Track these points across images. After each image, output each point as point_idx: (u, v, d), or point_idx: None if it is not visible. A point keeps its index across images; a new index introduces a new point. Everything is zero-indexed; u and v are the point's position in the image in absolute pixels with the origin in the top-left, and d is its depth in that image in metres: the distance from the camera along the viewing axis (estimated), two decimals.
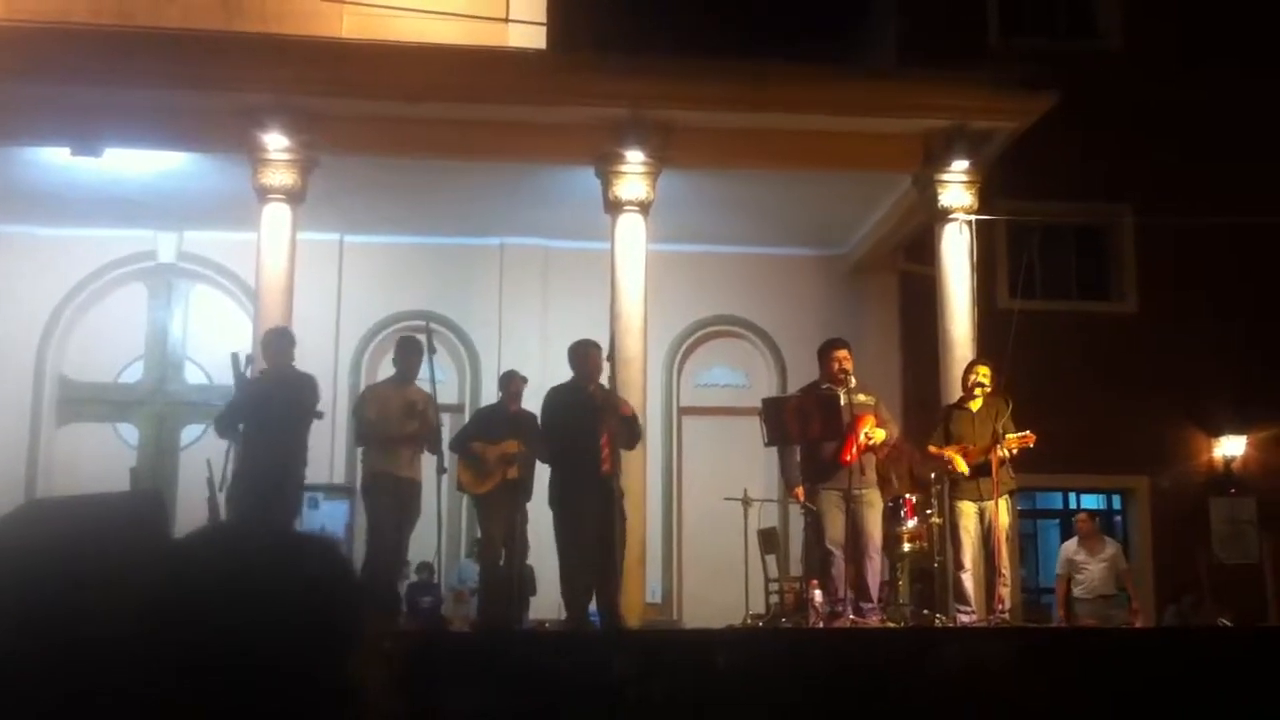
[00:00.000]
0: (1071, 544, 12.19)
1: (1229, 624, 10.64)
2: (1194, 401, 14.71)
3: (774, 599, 11.02)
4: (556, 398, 8.96)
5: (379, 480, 9.01)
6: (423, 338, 9.31)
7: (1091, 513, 12.87)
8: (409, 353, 9.39)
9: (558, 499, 8.77)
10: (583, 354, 9.10)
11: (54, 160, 11.73)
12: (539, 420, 9.12)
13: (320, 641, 1.21)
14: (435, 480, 8.89)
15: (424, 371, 9.09)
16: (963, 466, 9.06)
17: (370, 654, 1.24)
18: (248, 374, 8.96)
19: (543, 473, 9.49)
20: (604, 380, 9.16)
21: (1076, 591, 11.88)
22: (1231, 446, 15.06)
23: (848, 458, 8.63)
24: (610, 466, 8.64)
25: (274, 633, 1.19)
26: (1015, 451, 9.09)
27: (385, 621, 8.38)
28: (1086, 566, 11.88)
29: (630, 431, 9.09)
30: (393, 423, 9.00)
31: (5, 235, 13.77)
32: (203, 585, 1.21)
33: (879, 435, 8.75)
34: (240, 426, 8.72)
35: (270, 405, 8.63)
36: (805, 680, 6.58)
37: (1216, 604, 12.52)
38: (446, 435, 9.76)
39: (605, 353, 9.12)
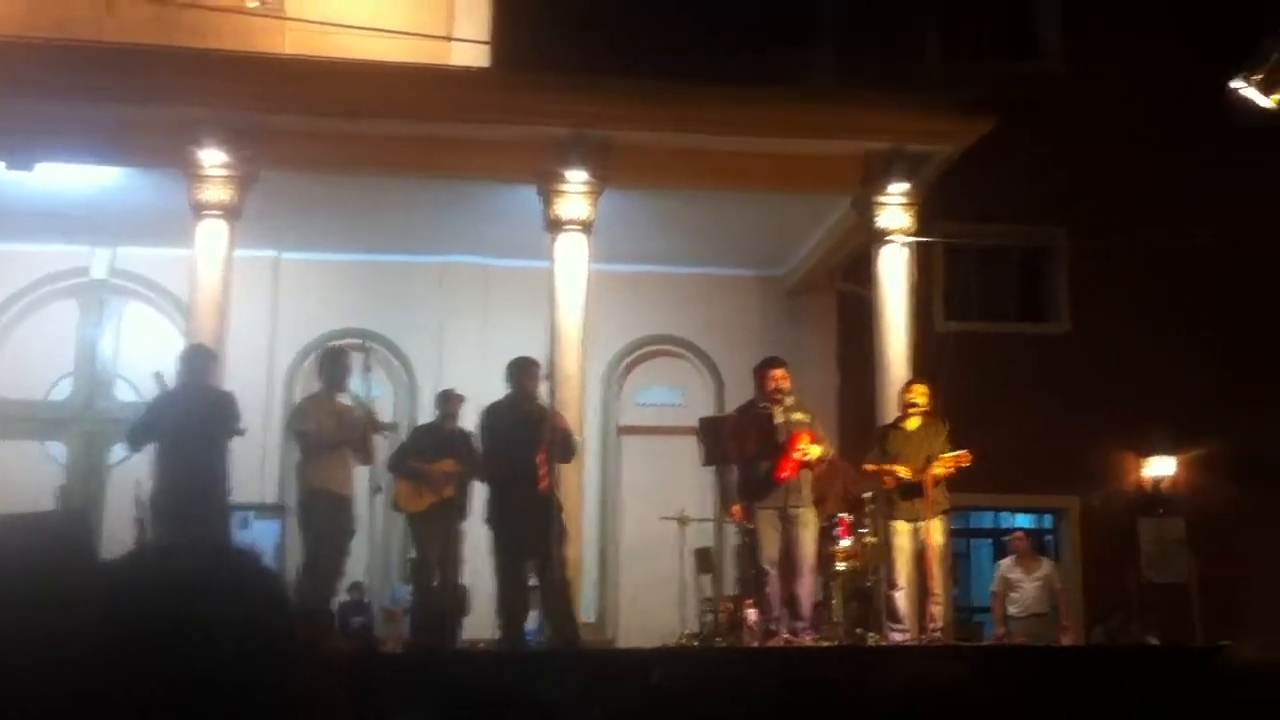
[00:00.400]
0: (1008, 562, 12.32)
1: (1156, 642, 10.80)
2: (1125, 422, 14.90)
3: (708, 618, 11.04)
4: (494, 414, 8.95)
5: (316, 497, 8.94)
6: (346, 347, 9.28)
7: (1027, 531, 13.02)
8: (335, 362, 9.33)
9: (496, 516, 8.75)
10: (520, 370, 9.09)
11: None
12: (477, 437, 9.10)
13: (257, 659, 1.21)
14: (368, 498, 8.84)
15: (360, 390, 9.04)
16: (905, 473, 9.12)
17: (306, 672, 1.25)
18: (157, 390, 8.88)
19: (479, 491, 9.46)
20: (542, 398, 9.15)
21: (1011, 610, 12.00)
22: (1161, 467, 15.28)
23: (784, 475, 8.68)
24: (548, 484, 8.63)
25: (210, 652, 1.19)
26: (952, 470, 9.18)
27: (321, 640, 8.31)
28: (1021, 584, 12.01)
29: (566, 445, 9.10)
30: (326, 434, 8.94)
31: None
32: (139, 605, 1.21)
33: (814, 451, 8.80)
34: (155, 443, 8.65)
35: (187, 422, 8.55)
36: (741, 699, 6.60)
37: (1144, 623, 12.70)
38: (383, 455, 9.72)
39: (543, 370, 9.13)
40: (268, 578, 1.31)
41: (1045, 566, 12.29)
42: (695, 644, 10.17)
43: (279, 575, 1.36)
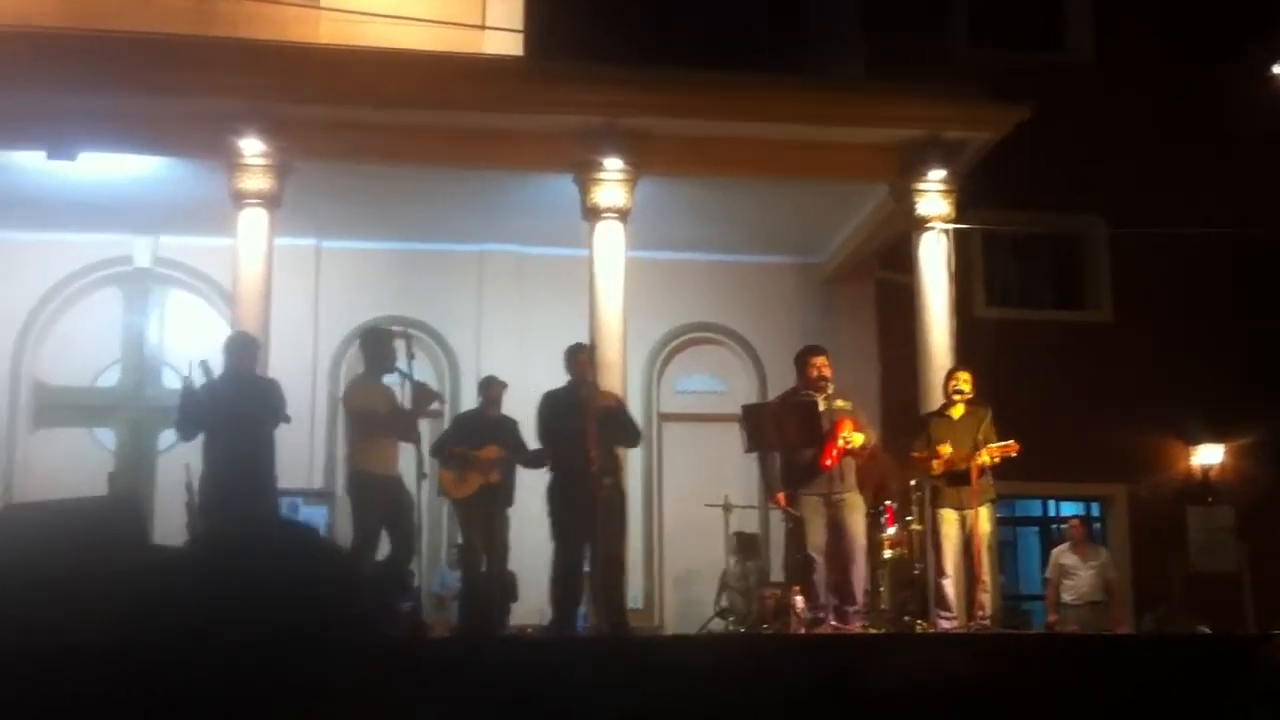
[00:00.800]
0: (1063, 548, 12.28)
1: (1207, 631, 10.69)
2: (1171, 410, 14.76)
3: (733, 599, 11.02)
4: (551, 401, 8.96)
5: (374, 481, 8.78)
6: (389, 328, 9.25)
7: (1083, 518, 12.87)
8: (379, 343, 9.20)
9: (555, 501, 8.74)
10: (571, 357, 9.13)
11: (29, 164, 11.65)
12: (521, 424, 9.06)
13: (329, 638, 1.19)
14: (415, 483, 8.80)
15: (395, 378, 8.99)
16: (947, 451, 9.05)
17: (366, 652, 1.23)
18: (193, 382, 8.85)
19: (523, 478, 9.46)
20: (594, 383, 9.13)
21: (1065, 597, 11.96)
22: (1209, 455, 15.13)
23: (827, 462, 8.64)
24: (600, 466, 8.59)
25: (289, 630, 1.17)
26: (997, 460, 9.11)
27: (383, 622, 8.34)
28: (1076, 572, 11.96)
29: (623, 427, 9.09)
30: (382, 415, 8.84)
31: None
32: (217, 584, 1.19)
33: (857, 439, 8.74)
34: (203, 431, 8.64)
35: (233, 409, 8.55)
36: (786, 686, 6.57)
37: (1193, 612, 12.58)
38: (426, 441, 9.69)
39: (591, 356, 9.14)
40: (343, 561, 1.29)
41: (1101, 555, 12.21)
42: (741, 630, 10.14)
43: (349, 560, 1.34)
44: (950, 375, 9.74)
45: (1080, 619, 11.64)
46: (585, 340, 10.66)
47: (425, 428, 9.47)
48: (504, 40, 13.40)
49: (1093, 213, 15.38)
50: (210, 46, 11.91)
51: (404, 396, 8.88)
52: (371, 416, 8.79)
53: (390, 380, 8.95)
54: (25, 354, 13.87)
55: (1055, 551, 12.41)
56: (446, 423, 10.59)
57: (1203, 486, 15.07)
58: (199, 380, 8.60)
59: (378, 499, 8.68)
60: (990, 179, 12.93)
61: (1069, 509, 15.07)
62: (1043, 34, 16.23)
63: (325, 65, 11.79)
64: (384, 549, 8.77)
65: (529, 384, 9.64)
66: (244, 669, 1.18)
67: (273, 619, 1.20)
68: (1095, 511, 15.48)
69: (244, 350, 9.17)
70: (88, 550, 1.42)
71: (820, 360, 8.98)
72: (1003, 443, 9.11)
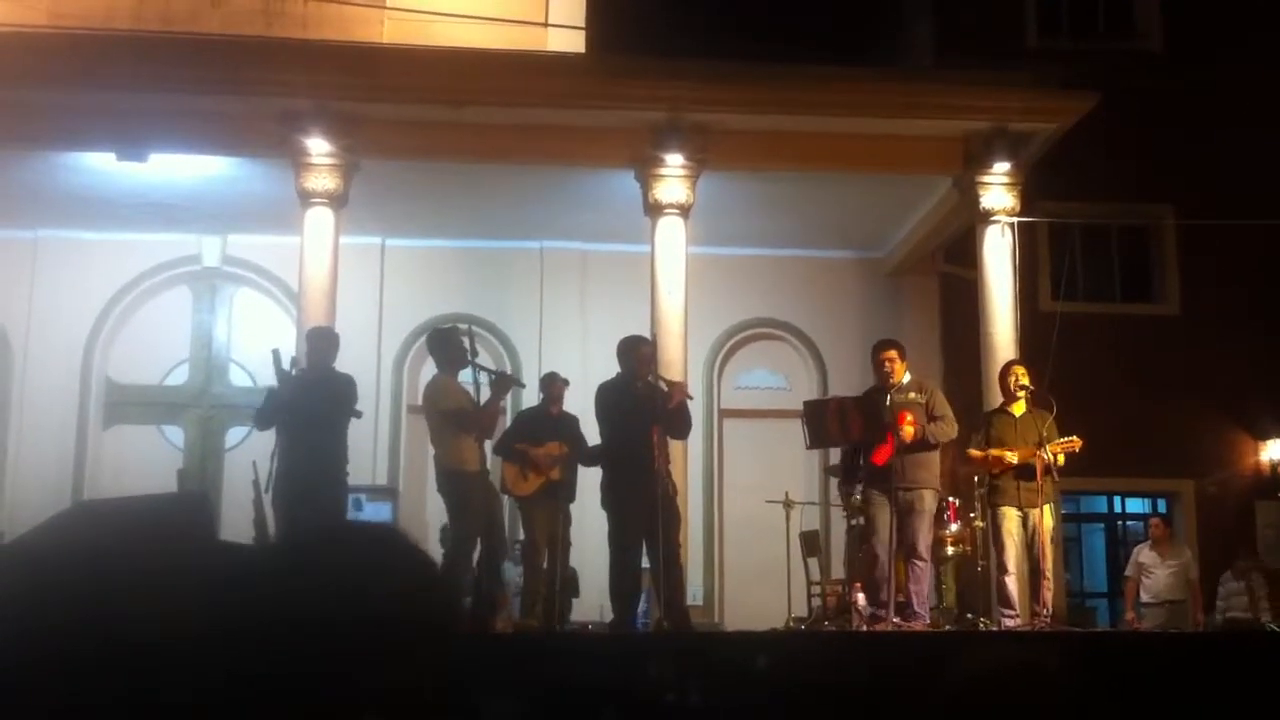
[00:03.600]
0: (1143, 546, 12.20)
1: (1278, 628, 10.53)
2: (1239, 404, 14.55)
3: (816, 602, 10.98)
4: (605, 394, 8.83)
5: (468, 478, 8.78)
6: (452, 329, 9.28)
7: (1165, 518, 12.67)
8: (448, 342, 9.16)
9: (609, 500, 8.64)
10: (629, 350, 8.91)
11: (99, 165, 11.86)
12: (594, 415, 8.97)
13: (415, 636, 1.22)
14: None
15: (467, 375, 9.04)
16: (1012, 458, 8.95)
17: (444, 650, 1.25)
18: (291, 371, 8.95)
19: (584, 475, 9.47)
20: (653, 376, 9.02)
21: (1144, 595, 11.85)
22: (1278, 450, 14.88)
23: (879, 458, 8.55)
24: (660, 463, 8.51)
25: (370, 633, 1.20)
26: (1062, 460, 8.99)
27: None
28: (1154, 571, 11.86)
29: (681, 420, 8.91)
30: (467, 412, 8.83)
31: (52, 240, 13.94)
32: (310, 582, 1.22)
33: (908, 431, 8.59)
34: (278, 424, 8.73)
35: (310, 403, 8.64)
36: (848, 684, 6.55)
37: (1262, 609, 12.39)
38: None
39: (651, 348, 9.04)
40: (428, 560, 1.32)
41: (1183, 554, 12.06)
42: (802, 628, 10.11)
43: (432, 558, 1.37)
44: (1007, 369, 9.58)
45: (1157, 617, 11.53)
46: (653, 337, 10.63)
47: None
48: (567, 37, 13.45)
49: (1161, 203, 15.17)
50: (277, 47, 12.06)
51: (477, 392, 8.87)
52: (461, 414, 8.77)
53: (464, 376, 8.96)
54: (96, 352, 14.13)
55: (1136, 549, 12.31)
56: (509, 419, 10.60)
57: (1271, 481, 14.83)
58: (274, 371, 8.71)
59: (476, 497, 8.70)
60: (1056, 170, 12.80)
61: (1135, 505, 14.89)
62: (1113, 21, 16.03)
63: (390, 64, 11.90)
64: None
65: (590, 380, 9.65)
66: (320, 672, 1.21)
67: (353, 621, 1.22)
68: (1162, 507, 15.29)
69: (325, 344, 9.25)
70: (158, 546, 1.46)
71: (889, 353, 8.89)
72: (1066, 439, 8.99)
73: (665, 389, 8.69)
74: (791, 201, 13.23)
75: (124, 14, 13.15)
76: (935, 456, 8.79)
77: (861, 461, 8.79)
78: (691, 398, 9.09)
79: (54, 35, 11.76)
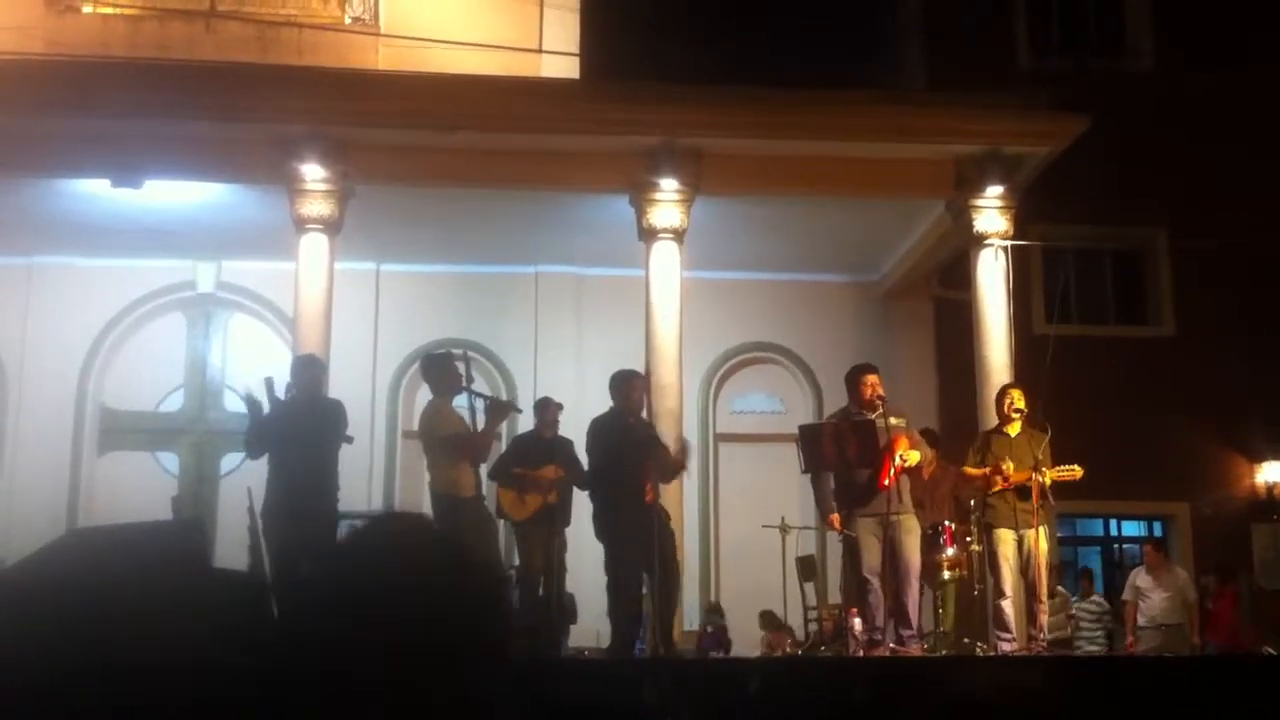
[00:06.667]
0: (1139, 570, 12.20)
1: (1272, 652, 10.52)
2: (1235, 426, 14.56)
3: (812, 627, 10.95)
4: (598, 428, 8.89)
5: (463, 504, 8.78)
6: (446, 354, 9.27)
7: (1158, 544, 12.64)
8: (443, 367, 9.15)
9: (604, 529, 8.69)
10: (621, 383, 8.99)
11: (94, 192, 11.86)
12: (584, 450, 9.02)
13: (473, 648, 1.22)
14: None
15: (462, 400, 9.02)
16: (1010, 469, 8.96)
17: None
18: (281, 398, 8.95)
19: (580, 499, 9.47)
20: (645, 410, 9.08)
21: (1140, 620, 11.84)
22: (1273, 472, 14.89)
23: (885, 482, 8.57)
24: (654, 498, 8.59)
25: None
26: (1056, 480, 9.01)
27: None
28: (1149, 596, 11.89)
29: (672, 467, 9.03)
30: (464, 436, 8.82)
31: (46, 266, 13.93)
32: (383, 581, 1.22)
33: (913, 457, 8.66)
34: (269, 451, 8.73)
35: (299, 430, 8.64)
36: (845, 709, 6.53)
37: (1257, 632, 12.38)
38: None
39: (645, 380, 9.07)
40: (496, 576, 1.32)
41: (1179, 578, 12.05)
42: (799, 653, 10.09)
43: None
44: (1004, 393, 9.63)
45: (1154, 641, 11.52)
46: (641, 362, 10.65)
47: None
48: (562, 63, 13.51)
49: (1154, 225, 15.21)
50: (272, 73, 12.10)
51: (473, 418, 8.85)
52: (457, 440, 8.74)
53: (459, 402, 8.94)
54: (91, 379, 14.10)
55: (1133, 573, 12.33)
56: (504, 444, 10.60)
57: (1267, 504, 14.83)
58: (266, 398, 8.71)
59: (471, 523, 8.68)
60: (1049, 192, 12.83)
61: (1131, 528, 14.88)
62: (1104, 43, 16.10)
63: (385, 90, 11.94)
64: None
65: (585, 404, 9.66)
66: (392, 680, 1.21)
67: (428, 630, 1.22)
68: (1158, 530, 15.29)
69: (311, 372, 9.28)
70: (152, 574, 1.46)
71: (874, 378, 8.92)
72: (1066, 467, 9.00)
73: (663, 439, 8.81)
74: (786, 225, 13.26)
75: (120, 41, 13.20)
76: (908, 481, 8.84)
77: (858, 485, 8.76)
78: (686, 468, 9.21)
79: (50, 62, 11.79)
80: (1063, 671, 7.62)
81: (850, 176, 12.23)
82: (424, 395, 10.84)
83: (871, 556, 8.58)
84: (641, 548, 8.38)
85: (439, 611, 1.22)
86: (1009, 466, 8.98)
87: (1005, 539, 9.06)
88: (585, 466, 9.30)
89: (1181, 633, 11.73)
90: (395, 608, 1.21)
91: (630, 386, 8.96)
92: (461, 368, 9.00)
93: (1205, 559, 14.39)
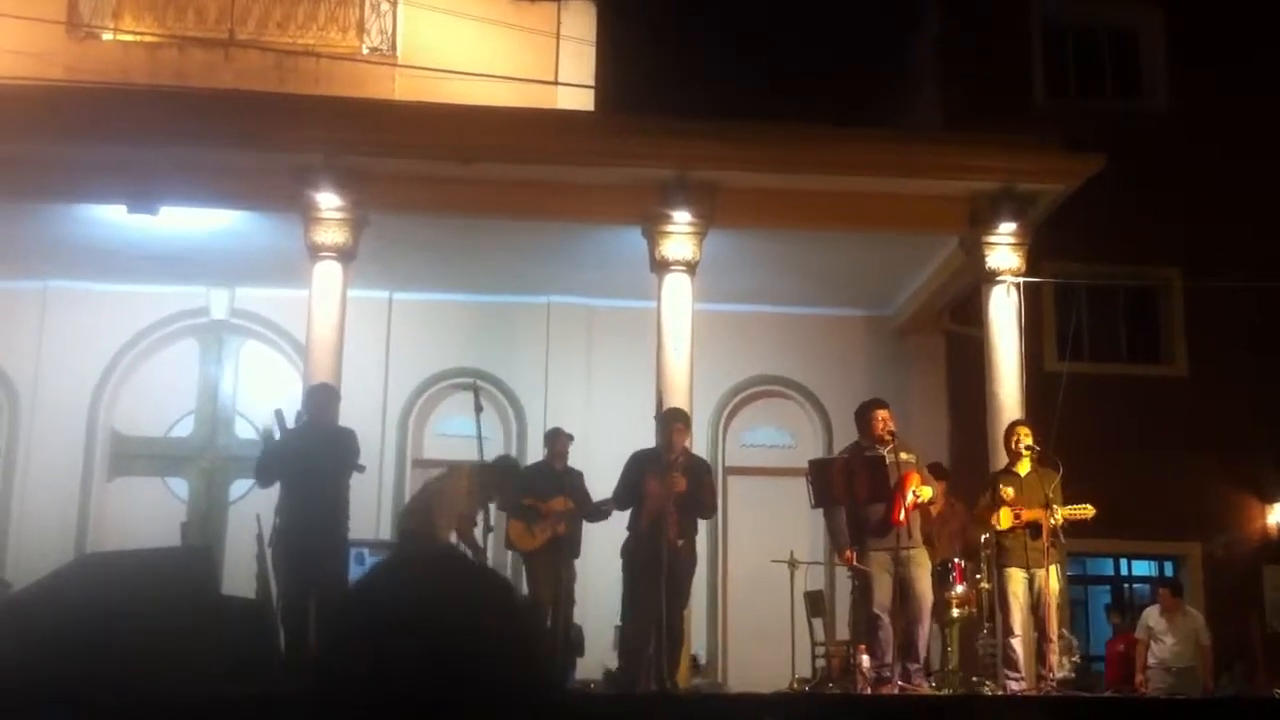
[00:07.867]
0: (1152, 611, 12.11)
1: None
2: (1247, 467, 14.50)
3: (820, 663, 10.90)
4: (638, 462, 8.96)
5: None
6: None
7: (1173, 588, 12.59)
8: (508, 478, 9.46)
9: (631, 562, 8.74)
10: (664, 423, 9.19)
11: (110, 217, 11.91)
12: (619, 478, 9.06)
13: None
14: (481, 537, 8.85)
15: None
16: (1006, 523, 8.95)
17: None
18: (291, 427, 8.96)
19: (588, 531, 9.46)
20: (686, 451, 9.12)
21: (1151, 660, 11.77)
22: None
23: (900, 518, 8.55)
24: (679, 534, 8.61)
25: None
26: (1067, 520, 8.98)
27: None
28: (1163, 638, 11.80)
29: (705, 506, 9.11)
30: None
31: (61, 290, 13.98)
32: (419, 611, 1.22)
33: (925, 493, 8.66)
34: (279, 479, 8.74)
35: (311, 458, 8.65)
36: None
37: (1269, 674, 12.29)
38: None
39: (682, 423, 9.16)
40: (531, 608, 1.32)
41: (1192, 620, 11.98)
42: (806, 689, 10.03)
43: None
44: (1012, 429, 9.61)
45: (1163, 682, 11.43)
46: (652, 394, 10.67)
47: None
48: (577, 95, 13.57)
49: (1167, 264, 15.21)
50: (288, 102, 12.18)
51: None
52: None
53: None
54: (102, 404, 14.13)
55: (1145, 612, 12.24)
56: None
57: (1279, 545, 14.76)
58: (276, 430, 8.72)
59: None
60: (1062, 230, 12.84)
61: (1142, 567, 14.80)
62: (1120, 82, 16.16)
63: (401, 120, 11.99)
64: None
65: (595, 436, 9.67)
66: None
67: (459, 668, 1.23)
68: (1169, 570, 15.21)
69: (325, 401, 9.30)
70: (160, 600, 1.46)
71: (884, 413, 8.91)
72: (1079, 506, 8.98)
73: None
74: (798, 259, 13.27)
75: (139, 68, 13.31)
76: (919, 516, 8.85)
77: (870, 521, 8.73)
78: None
79: (67, 89, 11.87)
80: (1071, 713, 7.57)
81: (864, 211, 12.23)
82: (435, 422, 10.86)
83: (883, 592, 8.55)
84: (662, 585, 8.41)
85: (492, 647, 1.22)
86: (1009, 493, 8.97)
87: (1016, 577, 9.02)
88: (596, 494, 9.32)
89: (1193, 675, 11.65)
90: (448, 641, 1.21)
91: (669, 427, 9.06)
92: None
93: (1216, 599, 14.33)
